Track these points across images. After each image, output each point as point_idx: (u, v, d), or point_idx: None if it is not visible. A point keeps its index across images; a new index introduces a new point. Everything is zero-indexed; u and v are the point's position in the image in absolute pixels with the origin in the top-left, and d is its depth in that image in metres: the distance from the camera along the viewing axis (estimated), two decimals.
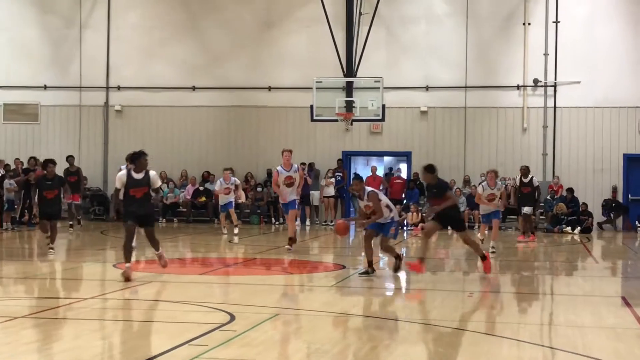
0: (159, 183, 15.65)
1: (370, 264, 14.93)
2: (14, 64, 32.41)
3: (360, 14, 28.42)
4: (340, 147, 30.37)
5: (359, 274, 15.33)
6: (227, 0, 31.42)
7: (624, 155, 28.90)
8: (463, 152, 30.15)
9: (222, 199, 24.11)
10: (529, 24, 29.84)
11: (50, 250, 18.50)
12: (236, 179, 24.59)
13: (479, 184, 21.08)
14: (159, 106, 31.55)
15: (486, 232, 22.46)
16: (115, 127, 32.11)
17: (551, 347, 9.83)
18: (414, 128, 30.32)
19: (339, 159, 30.22)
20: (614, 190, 28.55)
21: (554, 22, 29.64)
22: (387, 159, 32.25)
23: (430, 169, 15.73)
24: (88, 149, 32.10)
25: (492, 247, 19.54)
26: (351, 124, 29.01)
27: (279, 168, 19.20)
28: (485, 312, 12.45)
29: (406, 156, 30.91)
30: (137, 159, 14.57)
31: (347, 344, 10.03)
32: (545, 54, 29.68)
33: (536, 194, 24.67)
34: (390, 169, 32.70)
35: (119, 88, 32.03)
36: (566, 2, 29.58)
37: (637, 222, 27.79)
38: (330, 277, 15.11)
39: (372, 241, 15.09)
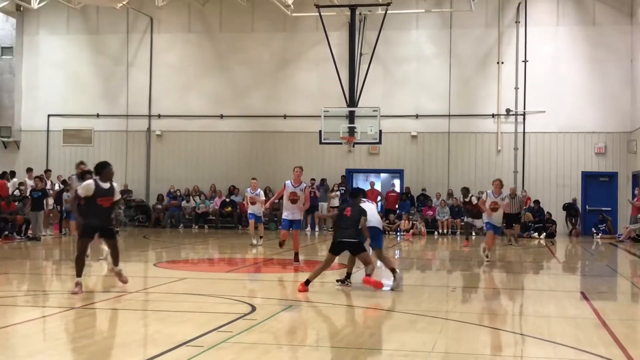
0: (119, 196, 13.41)
1: (348, 275, 13.54)
2: (72, 96, 32.54)
3: (360, 54, 28.49)
4: (344, 166, 30.45)
5: (337, 280, 13.75)
6: (249, 42, 31.51)
7: (582, 172, 28.95)
8: (447, 170, 30.18)
9: (252, 209, 22.24)
10: (502, 62, 29.91)
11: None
12: (260, 191, 23.17)
13: (485, 192, 19.46)
14: (192, 131, 31.63)
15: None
16: (155, 149, 32.19)
17: (522, 334, 9.87)
18: (405, 150, 30.37)
19: (342, 175, 30.28)
20: (574, 201, 28.58)
21: (523, 61, 29.70)
22: (383, 175, 32.25)
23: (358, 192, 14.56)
24: (133, 168, 32.18)
25: (487, 256, 18.26)
26: (353, 146, 29.16)
27: (287, 182, 17.27)
28: (466, 305, 12.47)
29: (399, 173, 30.94)
30: (103, 169, 12.74)
31: (349, 331, 10.07)
32: (516, 88, 29.73)
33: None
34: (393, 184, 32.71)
35: (159, 116, 32.10)
36: (533, 44, 29.62)
37: (593, 229, 27.74)
38: (337, 274, 15.08)
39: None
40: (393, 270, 13.40)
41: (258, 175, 28.52)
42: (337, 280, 13.59)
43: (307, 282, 12.78)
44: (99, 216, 12.52)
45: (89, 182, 12.64)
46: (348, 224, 12.86)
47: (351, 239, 12.85)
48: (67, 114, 32.47)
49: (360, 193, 13.94)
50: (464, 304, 12.65)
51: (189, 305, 11.91)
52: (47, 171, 28.86)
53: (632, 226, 26.83)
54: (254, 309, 10.99)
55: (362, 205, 13.36)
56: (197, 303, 12.00)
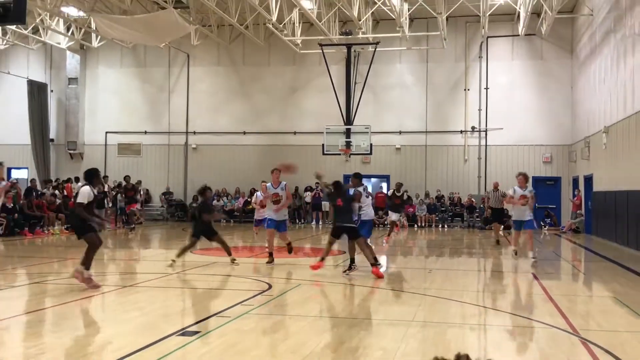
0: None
1: (352, 260, 12.76)
2: (124, 117, 32.65)
3: (355, 83, 28.54)
4: (342, 172, 30.37)
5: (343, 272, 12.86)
6: (266, 73, 31.60)
7: (533, 177, 28.80)
8: (424, 175, 30.22)
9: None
10: (468, 89, 29.96)
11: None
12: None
13: (511, 188, 15.63)
14: (221, 145, 31.71)
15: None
16: (191, 159, 32.27)
17: (484, 307, 9.88)
18: (391, 159, 30.41)
19: (337, 181, 30.24)
20: None
21: (485, 88, 29.77)
22: (373, 180, 32.23)
23: (338, 185, 13.42)
24: (173, 174, 32.29)
25: (533, 258, 15.03)
26: (349, 157, 29.23)
27: (268, 184, 15.11)
28: (439, 283, 12.48)
29: (386, 178, 30.95)
30: (95, 177, 11.30)
31: (348, 304, 10.09)
32: (479, 110, 29.78)
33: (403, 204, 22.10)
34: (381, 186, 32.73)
35: (194, 133, 32.19)
36: (493, 75, 29.72)
37: (541, 223, 27.70)
38: (339, 259, 15.12)
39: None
40: (352, 260, 12.83)
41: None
42: (344, 271, 12.73)
43: (322, 259, 12.75)
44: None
45: (88, 189, 10.97)
46: (342, 211, 12.80)
47: (348, 224, 12.73)
48: (121, 131, 32.58)
49: (340, 185, 13.43)
50: (438, 282, 12.66)
51: (218, 283, 11.95)
52: (105, 177, 28.91)
53: (572, 220, 26.88)
54: (270, 286, 11.04)
55: (360, 190, 13.74)
56: (224, 282, 12.06)
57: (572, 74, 28.89)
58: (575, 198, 27.01)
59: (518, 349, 7.31)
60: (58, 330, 8.06)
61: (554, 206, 28.95)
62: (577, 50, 28.24)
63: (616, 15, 20.84)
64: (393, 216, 20.87)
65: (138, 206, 26.10)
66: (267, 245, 14.79)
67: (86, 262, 10.80)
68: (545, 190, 28.60)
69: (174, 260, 13.49)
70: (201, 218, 14.28)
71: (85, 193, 10.81)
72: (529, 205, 15.07)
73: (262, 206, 17.82)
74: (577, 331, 7.81)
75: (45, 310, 9.31)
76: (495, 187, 21.71)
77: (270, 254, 14.23)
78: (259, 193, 19.32)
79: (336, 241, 13.10)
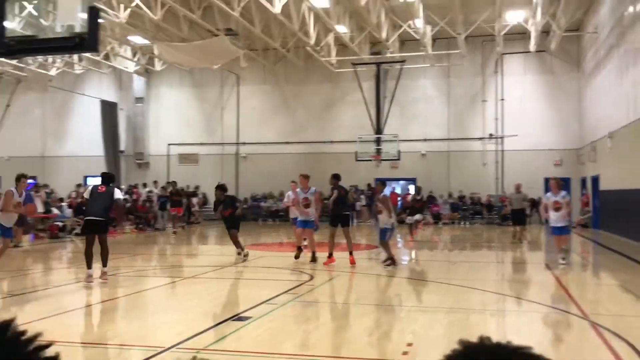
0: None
1: (391, 258, 12.37)
2: (184, 130, 33.00)
3: (384, 97, 28.52)
4: (373, 176, 30.26)
5: (382, 262, 12.65)
6: (305, 91, 31.67)
7: (545, 178, 28.42)
8: (447, 178, 29.94)
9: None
10: (486, 101, 29.63)
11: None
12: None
13: (545, 194, 13.95)
14: (266, 153, 31.85)
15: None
16: (242, 166, 32.47)
17: (503, 294, 9.77)
18: (417, 164, 30.19)
19: (368, 183, 30.19)
20: (539, 199, 28.08)
21: (500, 99, 29.40)
22: (401, 182, 32.07)
23: (336, 176, 13.66)
24: (226, 179, 32.05)
25: (562, 258, 13.00)
26: (380, 162, 29.07)
27: (298, 190, 14.33)
28: (463, 273, 12.38)
29: (413, 181, 30.73)
30: (112, 179, 11.26)
31: (381, 293, 10.07)
32: (496, 118, 29.41)
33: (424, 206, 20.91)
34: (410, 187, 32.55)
35: (244, 143, 32.39)
36: (507, 88, 29.34)
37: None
38: (372, 253, 15.09)
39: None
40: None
41: (313, 185, 28.54)
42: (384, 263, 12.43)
43: (330, 255, 12.91)
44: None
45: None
46: (336, 204, 13.33)
47: (339, 214, 13.30)
48: (181, 143, 32.94)
49: (336, 177, 13.80)
50: (462, 273, 12.56)
51: (266, 274, 12.03)
52: (155, 182, 29.17)
53: (581, 216, 26.41)
54: (312, 277, 11.06)
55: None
56: (272, 273, 12.12)
57: (579, 86, 28.40)
58: (584, 196, 26.55)
59: (534, 332, 7.21)
60: (128, 317, 8.20)
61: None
62: (583, 65, 27.80)
63: (618, 32, 20.47)
64: (416, 216, 19.88)
65: (185, 209, 25.84)
66: (295, 240, 14.15)
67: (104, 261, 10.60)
68: None
69: (239, 253, 13.90)
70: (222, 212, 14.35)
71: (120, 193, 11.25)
72: (564, 211, 12.86)
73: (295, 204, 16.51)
74: (587, 316, 7.68)
75: (118, 299, 9.47)
76: (518, 189, 19.46)
77: (299, 248, 13.52)
78: (290, 193, 18.16)
79: (334, 230, 13.25)
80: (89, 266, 10.26)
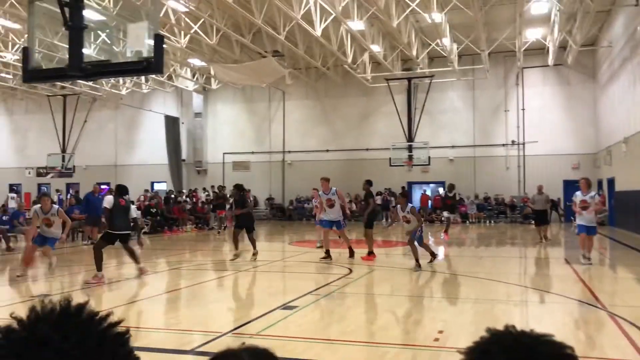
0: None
1: (417, 261, 11.25)
2: (237, 141, 33.32)
3: (415, 108, 28.29)
4: (406, 180, 30.15)
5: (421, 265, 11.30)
6: (343, 104, 31.64)
7: (563, 180, 27.84)
8: (473, 181, 29.51)
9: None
10: (508, 110, 29.13)
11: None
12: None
13: (575, 193, 12.30)
14: (310, 160, 31.90)
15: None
16: (288, 172, 32.61)
17: (525, 286, 9.59)
18: (446, 168, 29.83)
19: (403, 186, 29.92)
20: (558, 199, 27.49)
21: (521, 109, 28.84)
22: (432, 185, 31.75)
23: (369, 182, 13.42)
24: (274, 184, 32.71)
25: (587, 257, 11.81)
26: (411, 167, 28.81)
27: (320, 192, 13.78)
28: (488, 267, 12.19)
29: (442, 184, 30.39)
30: (125, 192, 10.63)
31: (414, 285, 9.98)
32: (518, 126, 28.87)
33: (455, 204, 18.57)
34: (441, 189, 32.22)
35: (289, 152, 32.53)
36: (528, 98, 28.77)
37: (572, 217, 26.50)
38: (406, 250, 14.96)
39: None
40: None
41: (352, 189, 28.52)
42: (428, 262, 11.72)
43: (370, 252, 12.72)
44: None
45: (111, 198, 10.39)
46: (372, 213, 13.36)
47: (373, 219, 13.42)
48: (234, 152, 33.28)
49: (369, 183, 13.67)
50: (487, 267, 12.36)
51: (310, 268, 12.04)
52: (212, 186, 29.55)
53: (598, 215, 25.59)
54: (351, 271, 11.03)
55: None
56: (315, 267, 12.12)
57: (594, 95, 27.68)
58: (600, 197, 25.81)
59: (555, 321, 7.05)
60: (191, 305, 8.31)
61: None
62: (598, 76, 27.10)
63: (632, 46, 19.90)
64: (445, 213, 17.92)
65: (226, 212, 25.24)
66: (323, 243, 13.36)
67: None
68: (573, 191, 27.28)
69: (254, 253, 12.83)
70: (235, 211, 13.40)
71: (108, 200, 10.27)
72: (593, 211, 11.78)
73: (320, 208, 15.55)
74: (605, 307, 7.47)
75: (181, 289, 9.61)
76: (540, 190, 17.98)
77: (327, 252, 12.84)
78: (314, 200, 17.10)
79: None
80: (101, 268, 9.90)
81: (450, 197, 17.70)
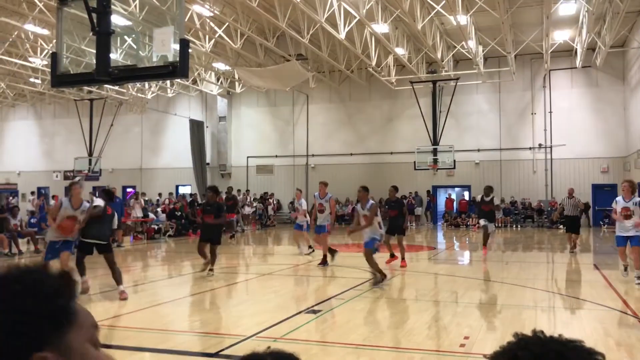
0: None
1: (380, 272, 9.91)
2: (261, 145, 33.45)
3: (440, 111, 28.08)
4: (431, 184, 29.98)
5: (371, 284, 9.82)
6: (367, 107, 31.58)
7: (592, 184, 27.37)
8: (500, 185, 29.13)
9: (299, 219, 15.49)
10: (535, 113, 28.74)
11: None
12: (303, 201, 16.24)
13: (615, 198, 10.41)
14: (333, 164, 31.89)
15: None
16: (311, 176, 32.59)
17: (552, 292, 9.45)
18: (471, 172, 29.56)
19: (428, 190, 29.81)
20: (588, 204, 27.02)
21: (549, 112, 28.45)
22: (457, 189, 31.50)
23: (396, 188, 12.74)
24: (297, 187, 32.76)
25: (638, 278, 9.66)
26: (437, 171, 28.62)
27: (315, 194, 13.64)
28: (514, 273, 12.04)
29: (468, 188, 30.15)
30: (111, 199, 9.25)
31: (439, 290, 9.90)
32: (545, 130, 28.47)
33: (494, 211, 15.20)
34: (473, 194, 31.96)
35: (313, 155, 32.55)
36: (555, 101, 28.35)
37: (601, 222, 26.16)
38: (431, 253, 14.85)
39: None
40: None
41: (375, 193, 28.46)
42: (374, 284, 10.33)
43: (392, 254, 12.50)
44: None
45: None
46: (395, 217, 12.71)
47: (397, 224, 12.66)
48: (258, 156, 33.43)
49: (396, 189, 13.06)
50: (514, 272, 12.22)
51: (334, 272, 12.03)
52: (247, 191, 29.78)
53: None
54: (376, 275, 10.98)
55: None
56: (339, 271, 12.10)
57: (624, 97, 27.17)
58: None
59: (584, 327, 6.93)
60: (214, 308, 8.37)
61: (611, 208, 27.21)
62: (628, 78, 26.59)
63: None
64: (482, 221, 14.76)
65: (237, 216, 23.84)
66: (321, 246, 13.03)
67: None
68: (603, 195, 26.95)
69: (210, 269, 10.85)
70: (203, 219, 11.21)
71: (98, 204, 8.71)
72: (633, 220, 9.74)
73: (302, 214, 15.31)
74: (636, 313, 7.32)
75: (205, 292, 9.69)
76: (570, 194, 16.34)
77: (325, 255, 12.68)
78: (302, 201, 16.09)
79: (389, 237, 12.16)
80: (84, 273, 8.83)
81: (487, 201, 14.58)
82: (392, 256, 12.64)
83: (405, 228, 12.09)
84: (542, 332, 0.97)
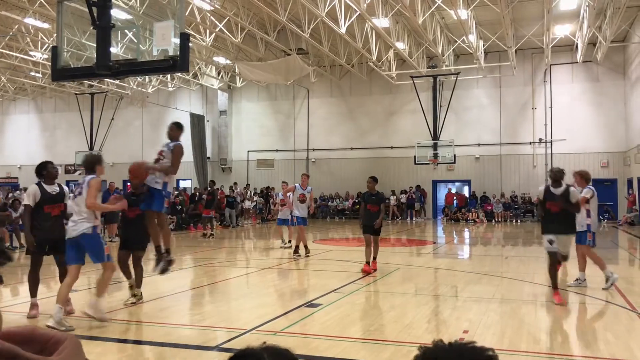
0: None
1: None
2: (262, 139, 33.46)
3: (440, 106, 28.04)
4: (431, 178, 29.98)
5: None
6: (368, 101, 31.55)
7: (593, 179, 27.30)
8: (500, 179, 29.19)
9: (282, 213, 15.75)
10: (535, 108, 28.72)
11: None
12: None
13: None
14: (334, 158, 31.92)
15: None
16: (312, 170, 32.53)
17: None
18: (472, 167, 29.57)
19: (418, 185, 29.78)
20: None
21: (549, 107, 28.42)
22: (457, 184, 31.51)
23: (375, 179, 11.14)
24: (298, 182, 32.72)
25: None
26: (437, 166, 28.61)
27: (297, 185, 13.90)
28: (514, 267, 12.04)
29: (468, 182, 30.15)
30: (43, 169, 7.19)
31: (439, 284, 9.92)
32: (545, 124, 28.45)
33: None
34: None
35: (313, 149, 32.56)
36: (556, 96, 28.32)
37: (600, 217, 26.09)
38: (431, 247, 14.86)
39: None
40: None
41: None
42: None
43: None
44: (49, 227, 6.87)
45: (34, 187, 6.99)
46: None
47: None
48: (259, 150, 33.43)
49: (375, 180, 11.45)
50: (513, 266, 12.21)
51: (334, 266, 12.04)
52: (247, 185, 29.78)
53: (627, 214, 25.22)
54: (375, 270, 10.99)
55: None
56: (339, 265, 12.12)
57: (624, 92, 27.13)
58: (630, 196, 25.35)
59: (584, 322, 6.93)
60: (215, 302, 8.38)
61: (611, 203, 27.17)
62: (628, 73, 26.55)
63: None
64: (548, 238, 9.54)
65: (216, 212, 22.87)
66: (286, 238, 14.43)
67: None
68: (603, 189, 26.94)
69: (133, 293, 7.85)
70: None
71: (30, 192, 6.93)
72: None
73: (282, 204, 15.57)
74: (635, 308, 7.33)
75: (205, 286, 9.70)
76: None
77: (306, 247, 13.34)
78: (280, 193, 16.16)
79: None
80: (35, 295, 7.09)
81: (558, 195, 8.19)
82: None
83: (379, 227, 10.68)
84: (441, 340, 1.15)
